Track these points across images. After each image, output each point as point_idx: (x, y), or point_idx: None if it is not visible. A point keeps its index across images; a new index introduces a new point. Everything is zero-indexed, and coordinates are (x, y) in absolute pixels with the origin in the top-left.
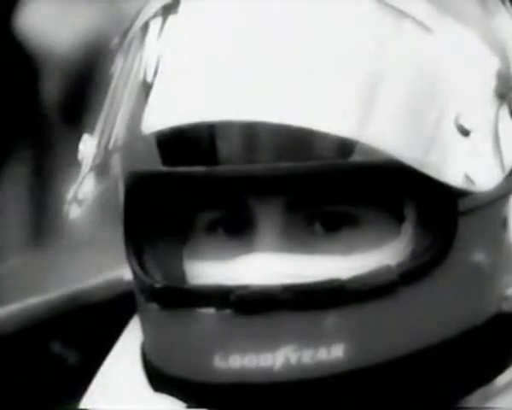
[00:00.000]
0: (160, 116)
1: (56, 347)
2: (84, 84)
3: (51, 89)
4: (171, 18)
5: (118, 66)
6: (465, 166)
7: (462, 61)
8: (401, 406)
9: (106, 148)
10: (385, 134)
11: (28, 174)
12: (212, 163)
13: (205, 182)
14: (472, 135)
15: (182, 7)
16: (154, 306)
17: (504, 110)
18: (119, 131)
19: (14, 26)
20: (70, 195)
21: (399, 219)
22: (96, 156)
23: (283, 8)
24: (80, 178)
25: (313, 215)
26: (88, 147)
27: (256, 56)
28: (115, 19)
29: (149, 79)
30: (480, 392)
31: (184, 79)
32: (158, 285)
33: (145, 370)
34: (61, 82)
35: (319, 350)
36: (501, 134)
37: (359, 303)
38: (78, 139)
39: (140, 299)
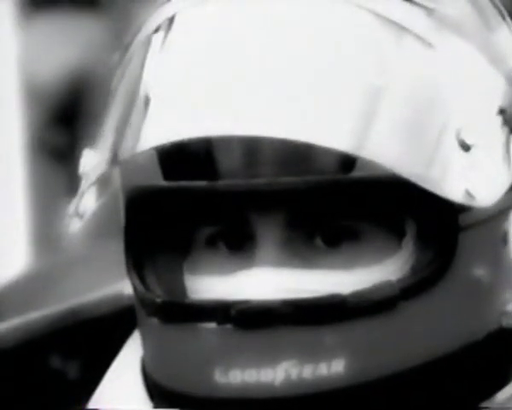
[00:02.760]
0: (161, 131)
1: (56, 361)
2: (70, 114)
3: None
4: (171, 32)
5: (119, 80)
6: (466, 181)
7: (463, 76)
8: None
9: (107, 162)
10: (386, 149)
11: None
12: (212, 178)
13: (205, 196)
14: (473, 150)
15: (177, 20)
16: (154, 320)
17: (505, 125)
18: (119, 145)
19: None
20: (71, 208)
21: (400, 234)
22: (96, 170)
23: (283, 22)
24: (81, 191)
25: (314, 230)
26: (89, 161)
27: (256, 71)
28: (102, 49)
29: (150, 94)
30: (481, 407)
31: (184, 94)
32: (158, 300)
33: (145, 384)
34: (47, 113)
35: (320, 365)
36: (502, 149)
37: (360, 318)
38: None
39: (140, 313)
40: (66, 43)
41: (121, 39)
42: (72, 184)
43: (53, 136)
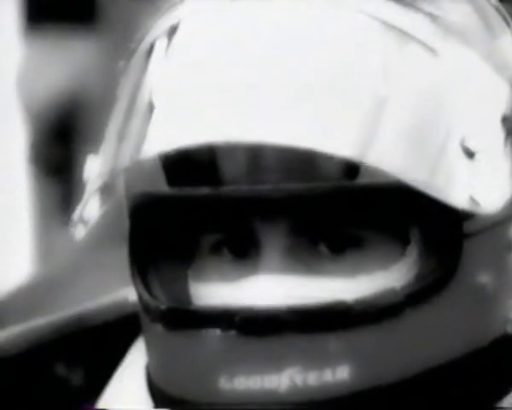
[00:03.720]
0: (165, 137)
1: (61, 368)
2: (64, 134)
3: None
4: (175, 38)
5: (123, 87)
6: (470, 188)
7: (468, 83)
8: None
9: (111, 168)
10: (390, 156)
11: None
12: (216, 184)
13: (209, 203)
14: (477, 157)
15: (182, 28)
16: (158, 327)
17: (509, 131)
18: (124, 151)
19: None
20: (75, 215)
21: (404, 241)
22: (101, 177)
23: (287, 29)
24: (85, 198)
25: (318, 237)
26: (93, 167)
27: (260, 78)
28: (98, 68)
29: (154, 101)
30: None
31: (188, 100)
32: (163, 307)
33: (150, 391)
34: (42, 133)
35: (324, 372)
36: (506, 156)
37: (364, 325)
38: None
39: (145, 320)
40: (61, 62)
41: (116, 59)
42: (69, 198)
43: (49, 152)
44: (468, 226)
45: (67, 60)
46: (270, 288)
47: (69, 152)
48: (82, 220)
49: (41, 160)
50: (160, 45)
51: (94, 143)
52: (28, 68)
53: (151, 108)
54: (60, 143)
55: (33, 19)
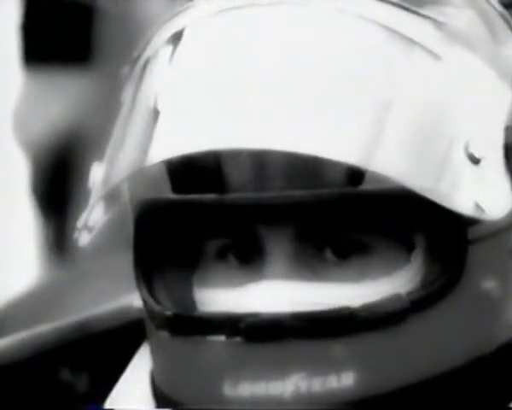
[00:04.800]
0: (170, 144)
1: (65, 374)
2: (61, 172)
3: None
4: (180, 45)
5: (127, 93)
6: (475, 194)
7: (472, 89)
8: None
9: (115, 176)
10: (395, 162)
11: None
12: (221, 191)
13: (215, 210)
14: (482, 163)
15: (187, 34)
16: (164, 333)
17: None
18: (128, 158)
19: None
20: (80, 222)
21: (409, 247)
22: (105, 184)
23: (292, 36)
24: (90, 205)
25: (323, 243)
26: (98, 174)
27: (265, 85)
28: (93, 105)
29: (159, 107)
30: None
31: (193, 107)
32: (168, 313)
33: (154, 397)
34: (39, 170)
35: (329, 378)
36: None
37: (369, 331)
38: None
39: (150, 326)
40: (57, 100)
41: (111, 96)
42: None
43: (47, 189)
44: (472, 232)
45: (63, 98)
46: (275, 294)
47: (67, 188)
48: (87, 227)
49: (39, 196)
50: (165, 52)
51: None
52: (24, 107)
53: (156, 114)
54: (57, 179)
55: (29, 58)
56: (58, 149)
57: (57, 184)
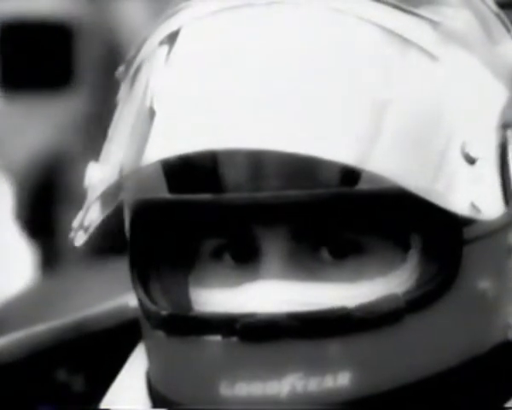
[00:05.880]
0: (166, 144)
1: (62, 374)
2: (45, 195)
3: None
4: (176, 45)
5: (123, 94)
6: (471, 194)
7: (468, 89)
8: None
9: (112, 175)
10: (390, 162)
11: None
12: (217, 191)
13: (211, 210)
14: (478, 163)
15: (183, 34)
16: (159, 333)
17: (509, 138)
18: (125, 158)
19: None
20: (76, 222)
21: (405, 247)
22: (101, 184)
23: (288, 36)
24: (86, 205)
25: (319, 243)
26: (94, 174)
27: (260, 85)
28: (75, 129)
29: (155, 107)
30: None
31: (189, 107)
32: (164, 313)
33: (150, 397)
34: (22, 196)
35: (325, 378)
36: (506, 162)
37: (365, 331)
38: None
39: (145, 326)
40: (37, 124)
41: (94, 120)
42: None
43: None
44: (468, 232)
45: (43, 121)
46: (271, 294)
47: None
48: (83, 227)
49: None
50: (161, 52)
51: (76, 201)
52: (4, 133)
53: (152, 114)
54: (42, 203)
55: (6, 85)
56: (41, 171)
57: (41, 207)
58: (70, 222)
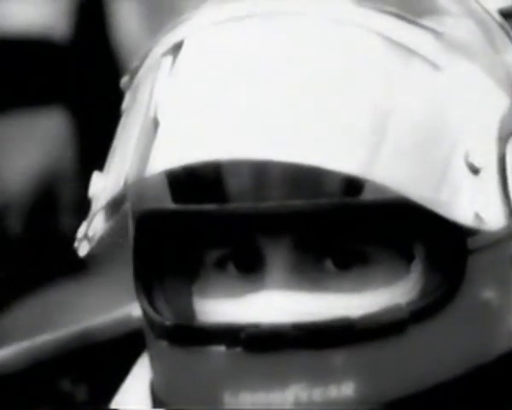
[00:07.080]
0: (170, 154)
1: (65, 384)
2: (43, 213)
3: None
4: (180, 56)
5: (128, 103)
6: (475, 204)
7: (471, 99)
8: None
9: (116, 185)
10: (394, 172)
11: None
12: (221, 201)
13: (214, 219)
14: (481, 173)
15: (187, 45)
16: (163, 343)
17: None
18: (129, 168)
19: None
20: (80, 232)
21: (409, 258)
22: (106, 194)
23: (291, 46)
24: (91, 215)
25: (323, 253)
26: (98, 184)
27: (264, 95)
28: (69, 145)
29: (159, 118)
30: None
31: (193, 117)
32: (168, 323)
33: (154, 407)
34: (21, 217)
35: (329, 388)
36: (509, 172)
37: (369, 341)
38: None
39: (149, 336)
40: (29, 143)
41: (86, 133)
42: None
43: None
44: (472, 242)
45: (36, 139)
46: (275, 304)
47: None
48: (87, 237)
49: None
50: (165, 62)
51: (75, 214)
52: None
53: (156, 124)
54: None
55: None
56: (37, 190)
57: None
58: (72, 233)
